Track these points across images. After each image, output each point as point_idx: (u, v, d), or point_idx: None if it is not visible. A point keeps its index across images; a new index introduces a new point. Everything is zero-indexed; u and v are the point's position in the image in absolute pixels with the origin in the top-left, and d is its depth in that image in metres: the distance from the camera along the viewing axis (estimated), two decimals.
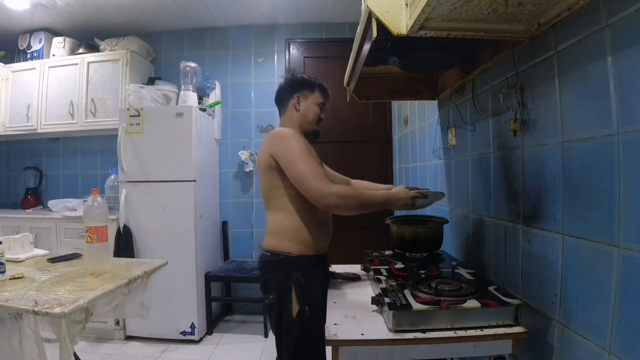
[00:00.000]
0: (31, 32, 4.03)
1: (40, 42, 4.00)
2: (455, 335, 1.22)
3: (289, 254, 1.66)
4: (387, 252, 2.04)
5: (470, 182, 1.90)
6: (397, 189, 1.71)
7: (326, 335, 1.26)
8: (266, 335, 3.47)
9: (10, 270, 1.83)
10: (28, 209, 4.05)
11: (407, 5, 1.10)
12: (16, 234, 2.42)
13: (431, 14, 1.05)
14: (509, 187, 1.52)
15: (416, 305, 1.26)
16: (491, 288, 1.40)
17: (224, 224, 4.06)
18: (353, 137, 4.09)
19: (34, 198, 4.19)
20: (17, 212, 3.95)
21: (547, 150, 1.26)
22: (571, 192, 1.15)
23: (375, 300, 1.40)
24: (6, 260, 1.82)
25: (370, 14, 1.16)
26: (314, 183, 1.54)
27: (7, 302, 1.46)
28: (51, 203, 3.80)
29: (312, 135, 1.86)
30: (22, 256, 2.17)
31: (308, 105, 1.82)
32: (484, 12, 1.10)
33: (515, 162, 1.46)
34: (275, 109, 1.93)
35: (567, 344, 1.16)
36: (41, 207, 4.14)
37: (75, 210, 3.60)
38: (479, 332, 1.22)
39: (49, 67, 3.89)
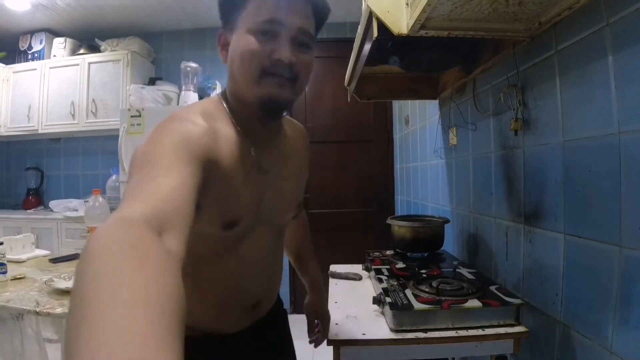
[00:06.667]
0: (32, 32, 4.03)
1: (41, 42, 4.00)
2: (456, 335, 1.22)
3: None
4: (388, 252, 2.04)
5: (471, 182, 1.89)
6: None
7: (328, 335, 1.26)
8: None
9: (12, 270, 1.84)
10: (29, 209, 4.06)
11: (407, 4, 1.10)
12: (17, 234, 2.43)
13: (432, 13, 1.05)
14: (510, 186, 1.51)
15: (417, 305, 1.26)
16: (492, 288, 1.40)
17: None
18: (354, 137, 4.08)
19: (35, 198, 4.19)
20: (18, 212, 3.96)
21: (548, 149, 1.26)
22: (572, 192, 1.14)
23: (377, 300, 1.40)
24: (8, 261, 1.82)
25: (370, 14, 1.16)
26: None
27: (9, 303, 1.46)
28: (52, 203, 3.80)
29: (259, 108, 0.90)
30: (23, 257, 2.18)
31: (235, 42, 0.89)
32: (484, 12, 1.10)
33: (517, 161, 1.46)
34: None
35: (568, 344, 1.16)
36: (42, 207, 4.14)
37: (77, 210, 3.60)
38: (480, 332, 1.22)
39: (50, 68, 3.90)
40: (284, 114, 0.99)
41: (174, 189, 0.63)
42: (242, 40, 0.86)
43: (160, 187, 0.62)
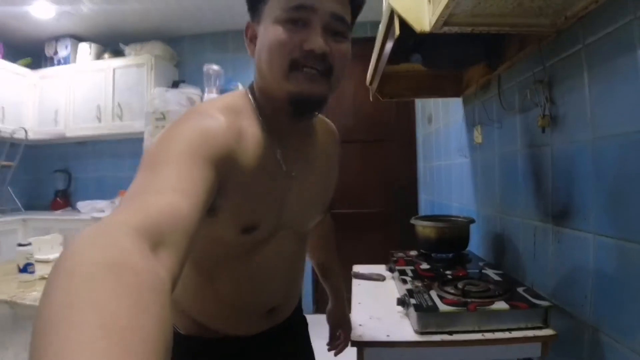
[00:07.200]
0: (57, 38, 4.15)
1: (66, 48, 4.10)
2: (483, 337, 1.19)
3: (176, 329, 0.99)
4: (412, 252, 2.02)
5: (497, 181, 1.86)
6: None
7: (351, 336, 1.25)
8: None
9: (40, 270, 1.88)
10: (57, 210, 4.15)
11: (429, 1, 1.08)
12: (46, 235, 2.48)
13: (455, 9, 1.03)
14: (538, 185, 1.48)
15: (443, 307, 1.24)
16: (520, 289, 1.37)
17: None
18: (376, 137, 4.06)
19: (63, 200, 4.30)
20: (46, 213, 4.07)
21: (577, 147, 1.22)
22: (602, 191, 1.11)
23: (401, 301, 1.38)
24: (36, 261, 1.87)
25: (392, 12, 1.14)
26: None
27: (37, 302, 1.49)
28: (80, 204, 3.89)
29: (289, 106, 0.81)
30: (51, 257, 2.22)
31: (263, 34, 0.81)
32: (509, 6, 1.08)
33: (544, 159, 1.42)
34: None
35: (597, 347, 1.13)
36: (70, 208, 4.24)
37: (104, 211, 3.68)
38: (507, 335, 1.19)
39: (76, 73, 3.99)
40: (317, 112, 0.92)
41: (178, 197, 0.56)
42: (270, 31, 0.78)
43: (163, 194, 0.56)
